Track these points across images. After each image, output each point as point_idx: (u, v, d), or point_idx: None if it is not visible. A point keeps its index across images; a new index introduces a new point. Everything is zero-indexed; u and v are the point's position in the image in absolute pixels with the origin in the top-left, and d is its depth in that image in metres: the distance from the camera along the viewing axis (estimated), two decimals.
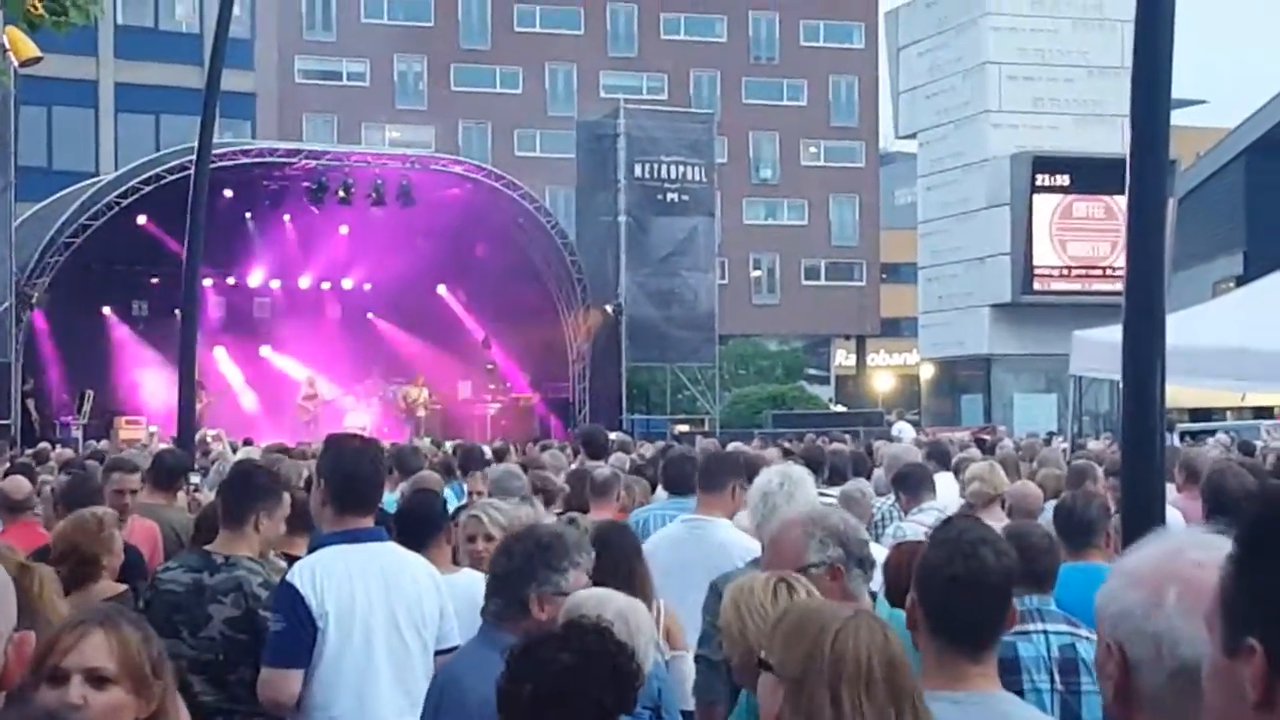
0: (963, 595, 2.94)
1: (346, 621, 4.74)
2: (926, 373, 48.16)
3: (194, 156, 14.52)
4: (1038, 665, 4.55)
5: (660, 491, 8.64)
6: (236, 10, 27.43)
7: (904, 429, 27.27)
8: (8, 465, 11.64)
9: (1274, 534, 1.39)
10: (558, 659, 2.79)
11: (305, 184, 27.74)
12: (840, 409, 46.32)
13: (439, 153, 36.25)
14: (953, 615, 2.90)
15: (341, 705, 4.76)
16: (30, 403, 25.51)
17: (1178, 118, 38.23)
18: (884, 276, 60.43)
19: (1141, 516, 5.29)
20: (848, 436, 21.30)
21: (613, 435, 17.09)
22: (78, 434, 23.93)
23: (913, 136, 47.78)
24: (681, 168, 32.58)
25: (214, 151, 14.79)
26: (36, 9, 12.01)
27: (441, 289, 30.76)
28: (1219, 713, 1.36)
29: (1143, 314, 5.08)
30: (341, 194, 27.69)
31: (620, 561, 4.94)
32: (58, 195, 28.58)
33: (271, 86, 50.19)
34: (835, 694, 2.37)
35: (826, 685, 2.40)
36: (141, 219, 25.63)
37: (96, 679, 2.62)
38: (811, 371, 57.60)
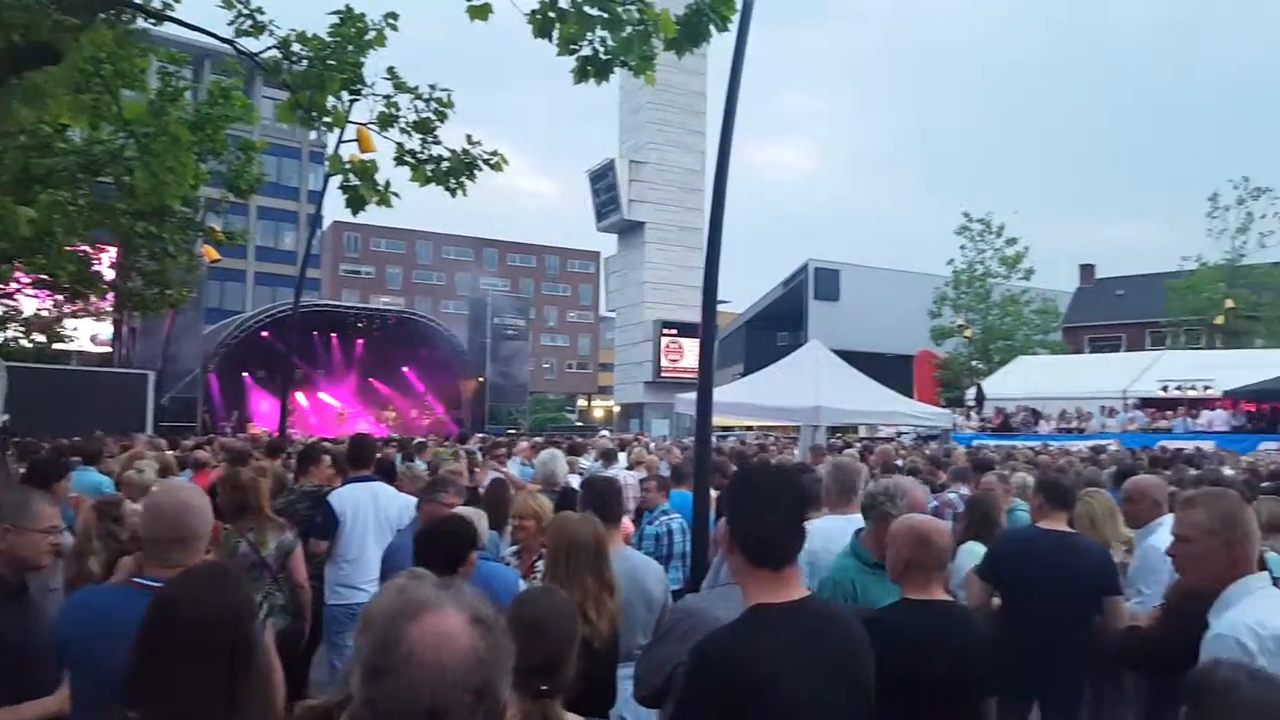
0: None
1: (352, 517, 5.20)
2: (617, 409, 53.62)
3: (291, 305, 16.02)
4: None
5: None
6: (316, 244, 36.18)
7: (605, 434, 28.00)
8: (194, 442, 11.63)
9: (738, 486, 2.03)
10: (446, 525, 3.07)
11: (344, 321, 32.36)
12: (579, 424, 54.80)
13: (406, 309, 42.37)
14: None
15: (350, 555, 5.16)
16: (207, 416, 27.92)
17: (721, 305, 51.55)
18: (601, 368, 72.33)
19: (701, 474, 5.24)
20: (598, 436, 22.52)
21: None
22: (229, 431, 25.68)
23: (614, 311, 53.67)
24: (514, 320, 39.64)
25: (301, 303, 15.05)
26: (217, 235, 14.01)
27: (405, 369, 34.49)
28: None
29: (704, 388, 5.04)
30: (360, 325, 32.89)
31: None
32: (224, 321, 32.40)
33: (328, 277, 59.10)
34: None
35: None
36: (265, 334, 28.73)
37: None
38: (568, 408, 69.08)
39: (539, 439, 17.39)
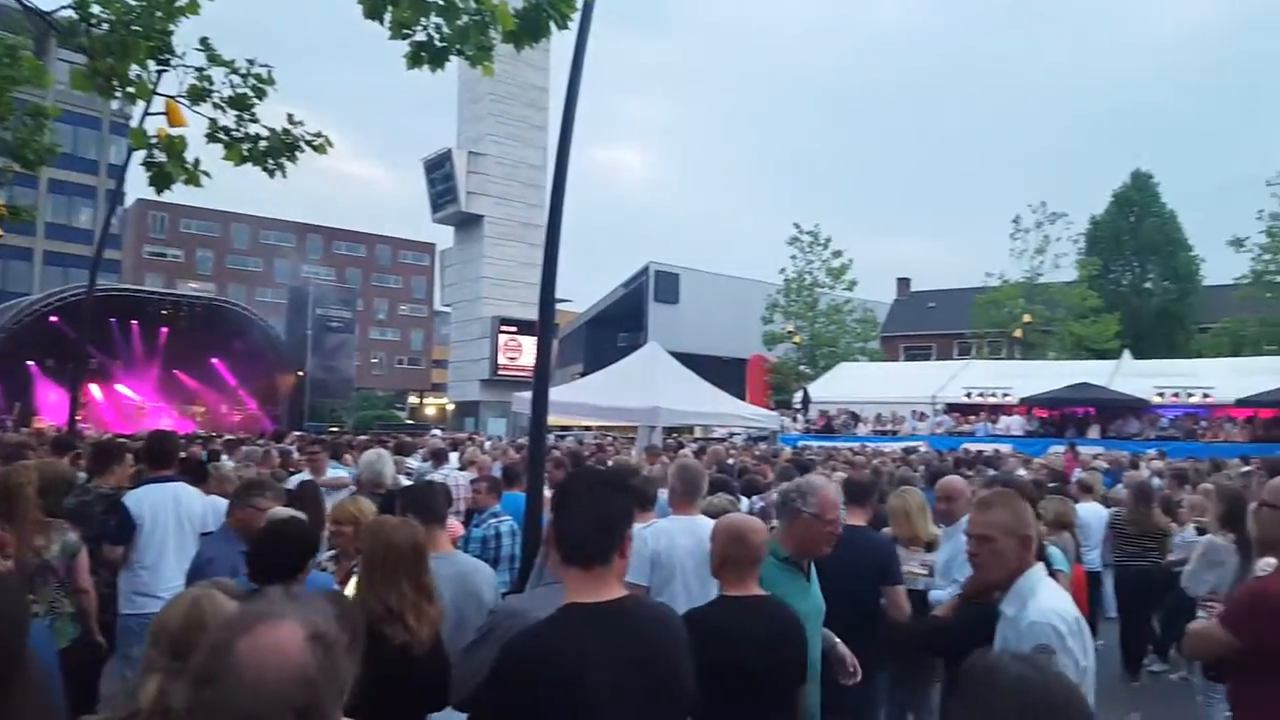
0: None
1: (151, 521, 4.93)
2: (451, 407, 52.15)
3: (85, 288, 15.50)
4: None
5: None
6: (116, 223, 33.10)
7: (437, 433, 27.03)
8: None
9: None
10: (285, 531, 2.98)
11: (145, 307, 29.99)
12: (410, 422, 52.24)
13: (217, 295, 38.79)
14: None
15: (148, 561, 4.89)
16: None
17: (561, 303, 51.76)
18: (435, 365, 70.37)
19: (535, 475, 5.19)
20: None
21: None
22: (9, 425, 23.04)
23: (450, 305, 51.88)
24: (340, 311, 38.00)
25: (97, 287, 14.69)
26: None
27: (214, 361, 32.37)
28: None
29: (540, 387, 4.96)
30: (164, 312, 30.50)
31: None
32: (7, 304, 29.87)
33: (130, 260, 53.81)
34: None
35: None
36: (53, 319, 26.70)
37: None
38: (398, 405, 66.19)
39: (364, 437, 16.96)
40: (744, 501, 6.36)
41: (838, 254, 37.98)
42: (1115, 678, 7.60)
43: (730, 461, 11.31)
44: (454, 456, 10.59)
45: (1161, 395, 22.52)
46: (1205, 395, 22.18)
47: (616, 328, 45.34)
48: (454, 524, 5.90)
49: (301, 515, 3.45)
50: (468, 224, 47.17)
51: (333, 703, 1.07)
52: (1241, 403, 21.28)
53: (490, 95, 44.63)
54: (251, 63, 5.83)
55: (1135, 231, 38.13)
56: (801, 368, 36.70)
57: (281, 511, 3.52)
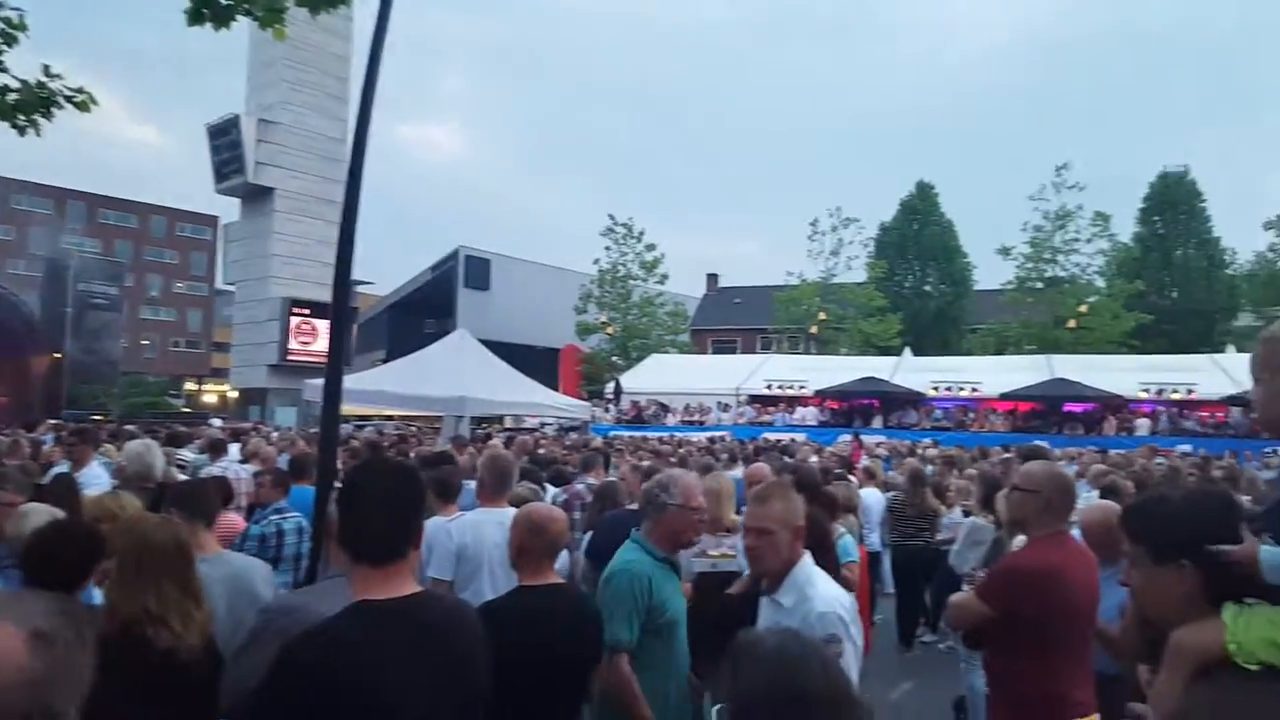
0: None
1: None
2: (234, 395, 47.76)
3: None
4: None
5: None
6: None
7: (217, 423, 25.73)
8: None
9: None
10: (66, 533, 2.69)
11: None
12: (187, 410, 49.28)
13: None
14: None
15: None
16: None
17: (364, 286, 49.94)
18: (216, 348, 65.59)
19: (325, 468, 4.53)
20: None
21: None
22: None
23: (234, 284, 47.08)
24: (105, 287, 35.56)
25: None
26: None
27: None
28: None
29: (334, 373, 4.49)
30: None
31: None
32: None
33: None
34: None
35: None
36: None
37: None
38: (173, 392, 60.17)
39: (131, 426, 15.85)
40: (549, 491, 6.34)
41: (651, 247, 38.85)
42: (891, 648, 8.27)
43: (540, 452, 11.28)
44: (234, 448, 9.86)
45: (936, 389, 24.86)
46: (974, 389, 24.69)
47: (423, 313, 44.09)
48: (234, 519, 5.52)
49: (51, 510, 3.20)
50: (256, 196, 43.93)
51: (66, 702, 1.04)
52: (1005, 396, 23.90)
53: (285, 60, 41.79)
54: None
55: (918, 238, 41.66)
56: (614, 358, 37.27)
57: (38, 508, 3.25)
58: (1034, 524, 3.21)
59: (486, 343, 18.05)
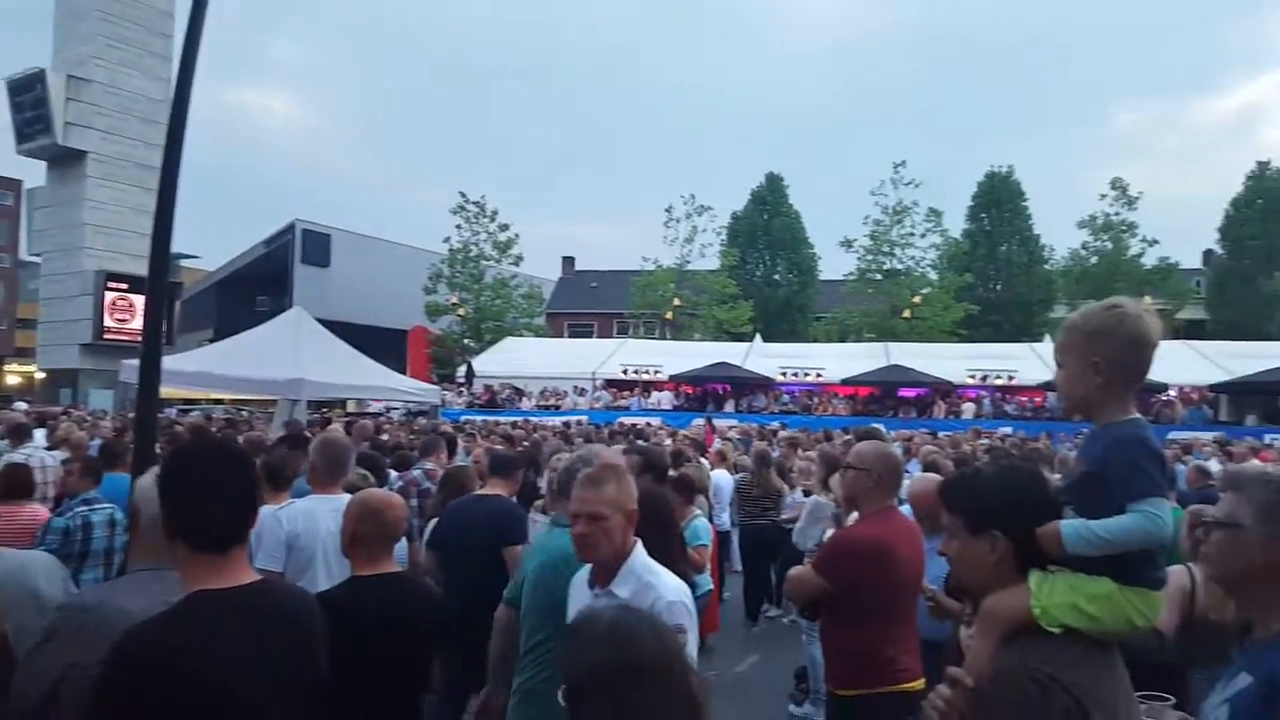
0: None
1: None
2: (41, 376, 43.98)
3: None
4: None
5: None
6: None
7: (21, 406, 23.15)
8: None
9: None
10: None
11: None
12: None
13: None
14: None
15: None
16: None
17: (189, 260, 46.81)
18: (20, 325, 59.38)
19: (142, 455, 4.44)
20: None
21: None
22: None
23: (40, 255, 43.79)
24: None
25: None
26: None
27: None
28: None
29: (151, 352, 4.54)
30: None
31: None
32: None
33: None
34: None
35: None
36: None
37: None
38: None
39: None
40: (392, 476, 6.19)
41: (505, 227, 38.27)
42: (739, 623, 8.57)
43: (384, 437, 10.95)
44: (40, 434, 9.03)
45: (785, 374, 25.94)
46: (819, 375, 25.91)
47: (255, 290, 41.76)
48: (37, 510, 5.12)
49: None
50: (65, 160, 40.18)
51: None
52: (846, 381, 25.23)
53: (98, 13, 38.38)
54: None
55: (768, 228, 43.09)
56: (466, 341, 36.58)
57: None
58: (865, 500, 3.38)
59: (326, 323, 17.30)
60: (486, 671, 3.32)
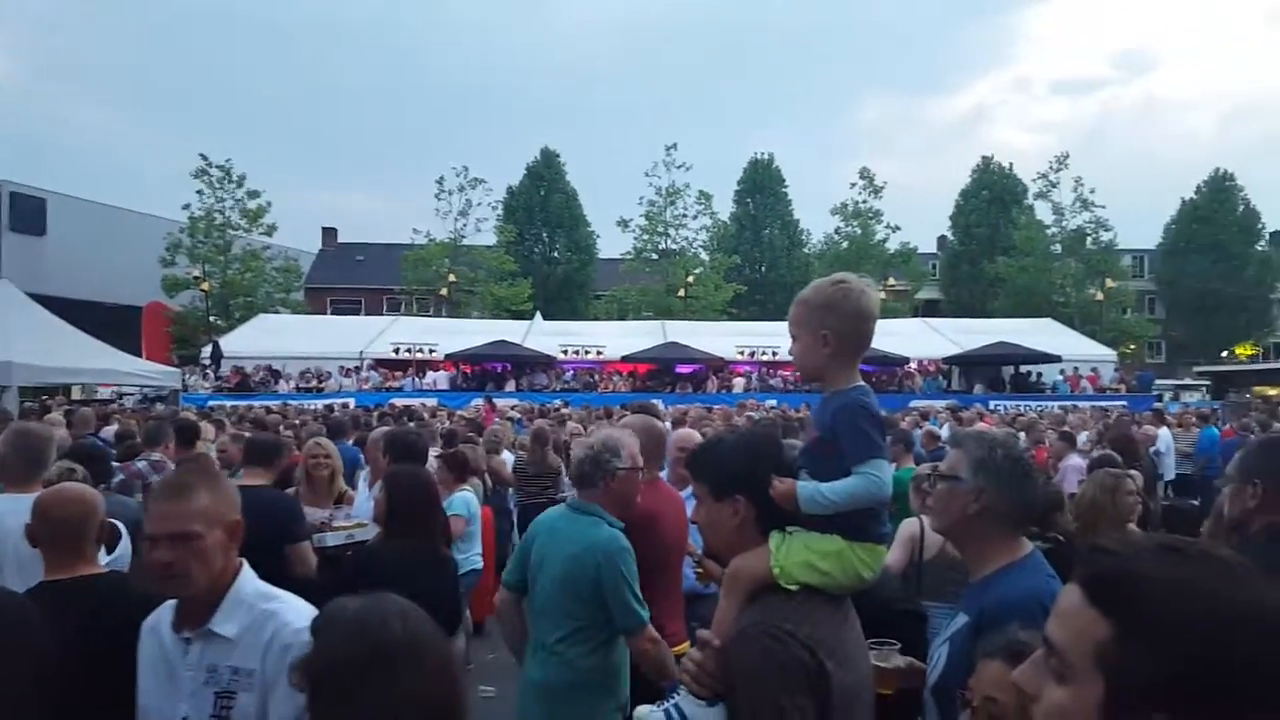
0: None
1: None
2: None
3: None
4: None
5: None
6: None
7: None
8: None
9: None
10: None
11: None
12: None
13: None
14: None
15: None
16: None
17: None
18: None
19: None
20: None
21: None
22: None
23: None
24: None
25: None
26: None
27: None
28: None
29: None
30: None
31: None
32: None
33: None
34: None
35: None
36: None
37: None
38: None
39: None
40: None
41: (254, 194, 35.52)
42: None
43: (113, 427, 9.92)
44: None
45: (566, 352, 26.22)
46: (599, 353, 26.44)
47: None
48: None
49: None
50: None
51: None
52: (626, 359, 25.95)
53: None
54: None
55: (545, 205, 43.21)
56: (212, 318, 33.77)
57: None
58: None
59: (41, 298, 15.39)
60: None
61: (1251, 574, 0.92)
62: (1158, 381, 31.02)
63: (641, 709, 1.85)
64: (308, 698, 1.41)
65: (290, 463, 5.51)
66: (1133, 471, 4.49)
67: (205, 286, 33.56)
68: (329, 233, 51.89)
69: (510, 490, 8.94)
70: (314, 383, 24.73)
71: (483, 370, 25.90)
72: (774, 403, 20.71)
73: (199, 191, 34.87)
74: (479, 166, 72.52)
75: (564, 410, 15.68)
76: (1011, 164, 46.53)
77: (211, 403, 19.66)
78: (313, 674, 1.40)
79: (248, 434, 7.41)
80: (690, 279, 35.69)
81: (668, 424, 8.00)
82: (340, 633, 1.40)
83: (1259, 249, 44.63)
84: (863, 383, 1.89)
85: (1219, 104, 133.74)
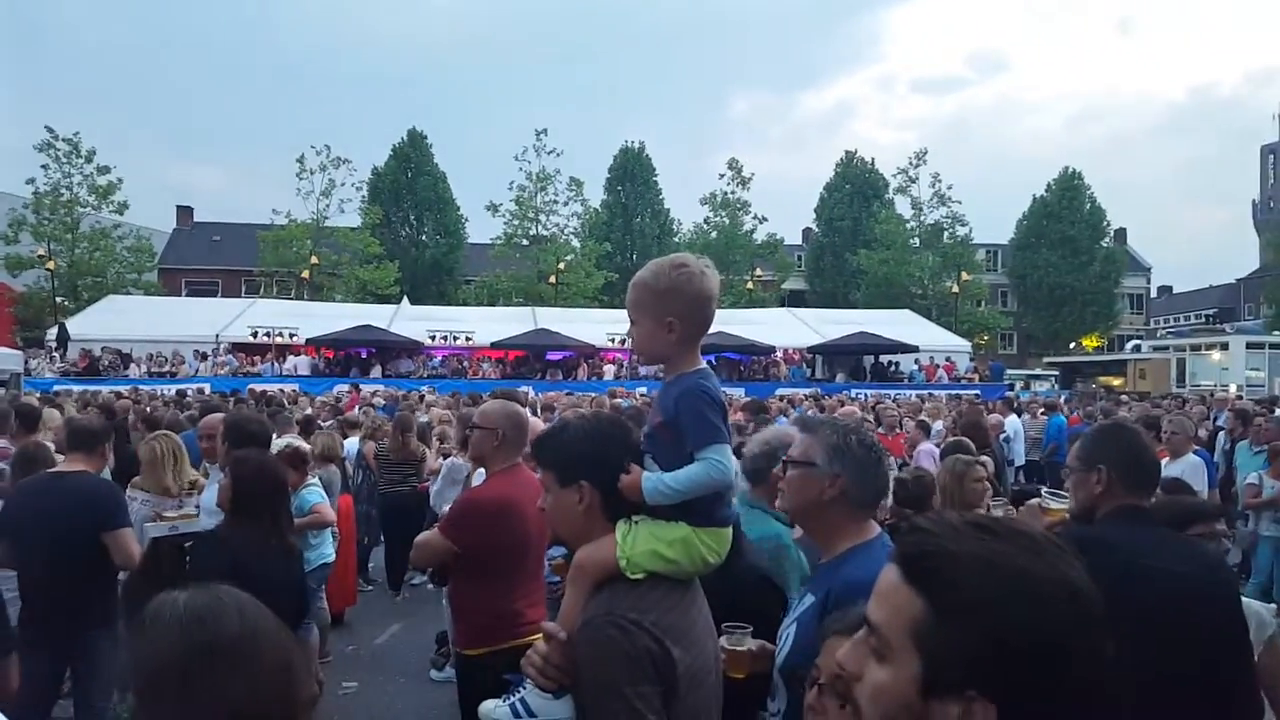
0: None
1: None
2: None
3: None
4: None
5: None
6: None
7: None
8: None
9: None
10: None
11: None
12: None
13: None
14: None
15: None
16: None
17: None
18: None
19: None
20: None
21: None
22: None
23: None
24: None
25: None
26: None
27: None
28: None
29: None
30: None
31: None
32: None
33: None
34: None
35: None
36: None
37: None
38: None
39: None
40: None
41: (105, 170, 33.05)
42: (383, 595, 8.35)
43: None
44: None
45: (433, 338, 25.56)
46: (468, 339, 25.93)
47: None
48: None
49: None
50: None
51: None
52: (496, 345, 25.55)
53: None
54: None
55: (413, 187, 41.96)
56: (59, 299, 31.30)
57: None
58: (491, 459, 3.40)
59: None
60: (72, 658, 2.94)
61: (1061, 551, 0.93)
62: (1009, 371, 32.94)
63: (486, 704, 1.78)
64: (135, 700, 1.27)
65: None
66: (983, 457, 4.67)
67: (51, 265, 31.13)
68: (184, 211, 48.83)
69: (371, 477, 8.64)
70: (168, 367, 23.27)
71: (346, 355, 24.93)
72: (644, 390, 20.84)
73: (44, 166, 32.26)
74: (342, 145, 69.65)
75: (430, 396, 15.29)
76: (874, 159, 48.25)
77: (57, 387, 18.59)
78: (140, 674, 1.27)
79: (78, 416, 6.85)
80: (561, 265, 35.48)
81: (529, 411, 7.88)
82: (169, 629, 1.27)
83: (1104, 245, 46.79)
84: (704, 365, 1.86)
85: (1068, 105, 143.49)
